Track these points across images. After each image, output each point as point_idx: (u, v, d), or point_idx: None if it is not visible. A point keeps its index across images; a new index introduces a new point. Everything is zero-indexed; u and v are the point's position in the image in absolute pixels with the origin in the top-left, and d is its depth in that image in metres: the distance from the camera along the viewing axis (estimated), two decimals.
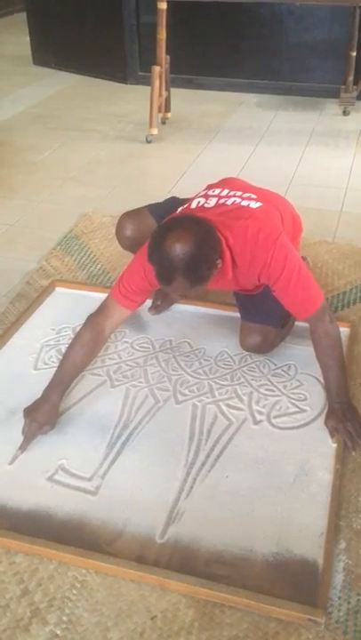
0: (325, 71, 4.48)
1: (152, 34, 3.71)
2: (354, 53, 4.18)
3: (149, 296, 1.89)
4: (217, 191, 1.85)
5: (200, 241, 1.54)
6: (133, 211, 2.08)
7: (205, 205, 1.79)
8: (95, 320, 1.76)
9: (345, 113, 4.20)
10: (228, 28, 4.56)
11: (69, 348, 1.75)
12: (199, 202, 1.82)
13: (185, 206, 1.85)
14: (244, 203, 1.76)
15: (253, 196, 1.80)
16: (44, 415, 1.66)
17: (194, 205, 1.82)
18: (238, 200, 1.77)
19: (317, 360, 1.75)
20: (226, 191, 1.84)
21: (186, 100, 4.45)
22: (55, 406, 1.70)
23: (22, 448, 1.65)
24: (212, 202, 1.79)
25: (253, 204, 1.76)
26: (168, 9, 3.57)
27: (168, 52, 3.74)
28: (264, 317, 1.91)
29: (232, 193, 1.82)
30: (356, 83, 4.22)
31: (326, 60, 4.45)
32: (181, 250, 1.50)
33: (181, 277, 1.53)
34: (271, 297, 1.76)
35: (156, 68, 3.65)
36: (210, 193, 1.85)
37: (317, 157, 3.54)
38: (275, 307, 1.79)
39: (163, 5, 3.55)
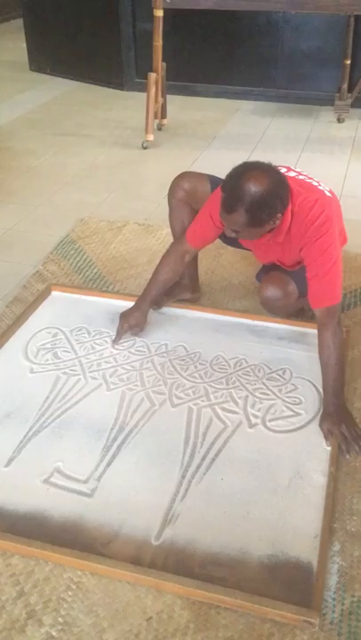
0: (320, 79, 4.52)
1: (148, 41, 3.74)
2: (348, 62, 4.24)
3: (215, 238, 1.99)
4: (298, 169, 1.94)
5: (273, 188, 1.65)
6: (194, 172, 2.12)
7: (287, 173, 1.86)
8: (178, 247, 2.02)
9: (339, 120, 4.24)
10: (224, 35, 4.59)
11: (158, 267, 2.05)
12: (281, 169, 1.89)
13: None
14: (320, 187, 1.86)
15: (328, 188, 1.89)
16: (134, 319, 2.05)
17: None
18: (315, 183, 1.87)
19: (320, 358, 1.77)
20: (306, 174, 1.93)
21: (182, 107, 4.48)
22: (144, 314, 2.07)
23: (114, 342, 2.05)
24: (292, 173, 1.88)
25: (327, 193, 1.85)
26: (164, 16, 3.60)
27: (164, 59, 3.77)
28: (289, 275, 1.93)
29: (311, 178, 1.91)
30: (350, 90, 4.27)
31: (321, 68, 4.49)
32: (254, 187, 1.62)
33: (242, 211, 1.65)
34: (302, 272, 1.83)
35: (153, 75, 3.67)
36: (292, 168, 1.93)
37: (312, 164, 3.56)
38: (302, 276, 1.84)
39: (159, 13, 3.58)
